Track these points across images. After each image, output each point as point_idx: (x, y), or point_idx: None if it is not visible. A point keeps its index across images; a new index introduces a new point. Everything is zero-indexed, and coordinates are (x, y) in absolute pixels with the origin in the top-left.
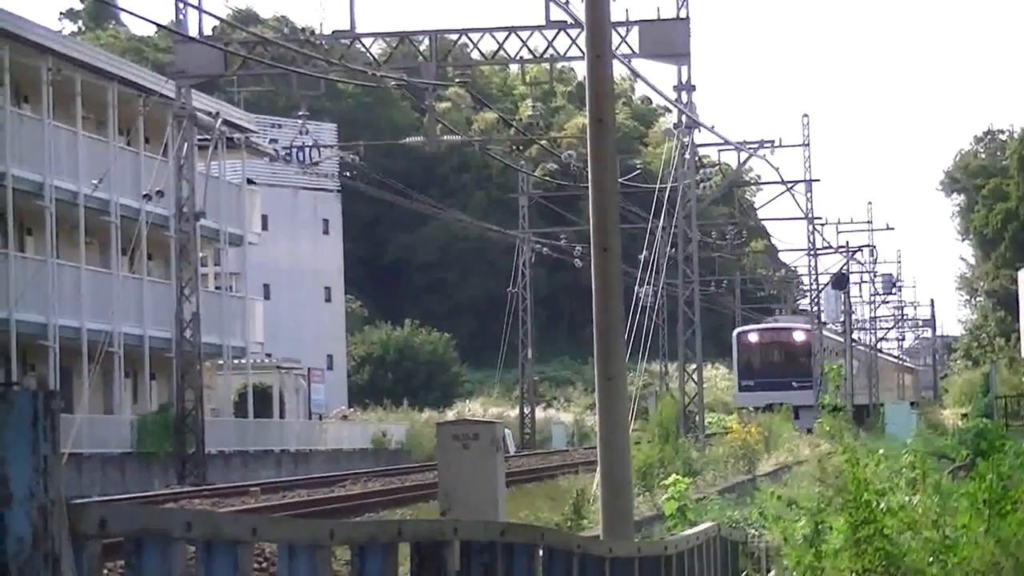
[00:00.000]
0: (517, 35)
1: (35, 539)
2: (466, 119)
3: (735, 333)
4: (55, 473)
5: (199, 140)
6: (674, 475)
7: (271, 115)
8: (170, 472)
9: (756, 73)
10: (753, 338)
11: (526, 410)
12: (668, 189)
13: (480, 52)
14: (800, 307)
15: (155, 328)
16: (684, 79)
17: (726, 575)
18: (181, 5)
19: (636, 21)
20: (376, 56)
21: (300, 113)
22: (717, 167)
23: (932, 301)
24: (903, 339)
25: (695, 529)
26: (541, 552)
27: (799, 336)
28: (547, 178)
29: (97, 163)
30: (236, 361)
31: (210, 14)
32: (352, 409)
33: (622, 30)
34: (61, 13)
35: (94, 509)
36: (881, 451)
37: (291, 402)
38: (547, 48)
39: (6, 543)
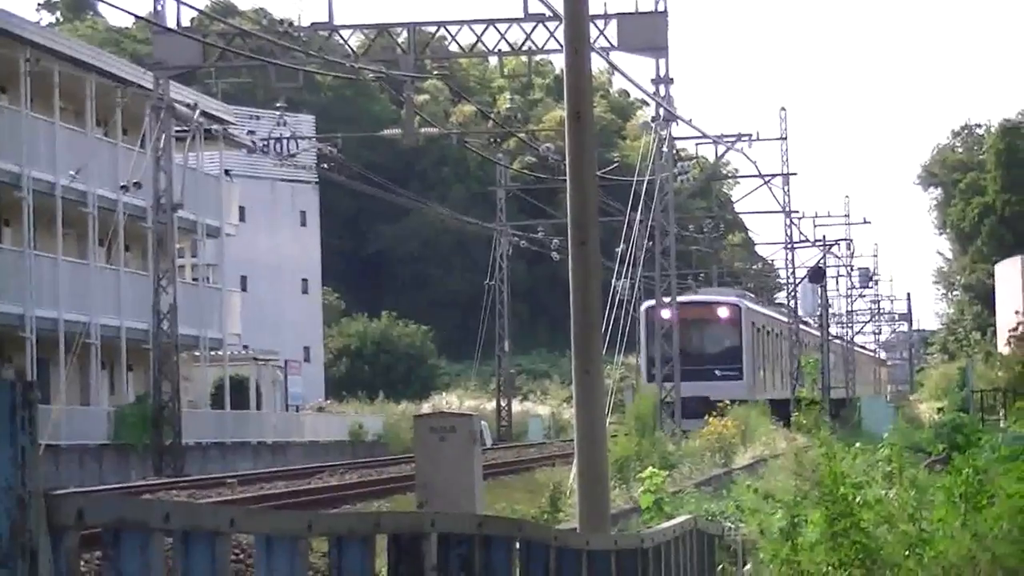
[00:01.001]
0: (495, 28)
1: (13, 530)
2: (444, 112)
3: (643, 307)
4: (33, 464)
5: (177, 131)
6: (651, 468)
7: (249, 107)
8: (147, 464)
9: (734, 66)
10: (666, 314)
11: (503, 403)
12: (646, 182)
13: (458, 45)
14: (776, 300)
15: (132, 319)
16: (662, 72)
17: (702, 568)
18: None
19: (614, 14)
20: (354, 48)
21: (278, 105)
22: (695, 160)
23: (909, 295)
24: (879, 333)
25: (672, 522)
26: (518, 545)
27: (724, 313)
28: (525, 171)
29: (75, 154)
30: (213, 353)
31: (188, 5)
32: (329, 401)
33: (600, 23)
34: (39, 4)
35: (72, 500)
36: (858, 445)
37: (268, 394)
38: (525, 41)
39: None
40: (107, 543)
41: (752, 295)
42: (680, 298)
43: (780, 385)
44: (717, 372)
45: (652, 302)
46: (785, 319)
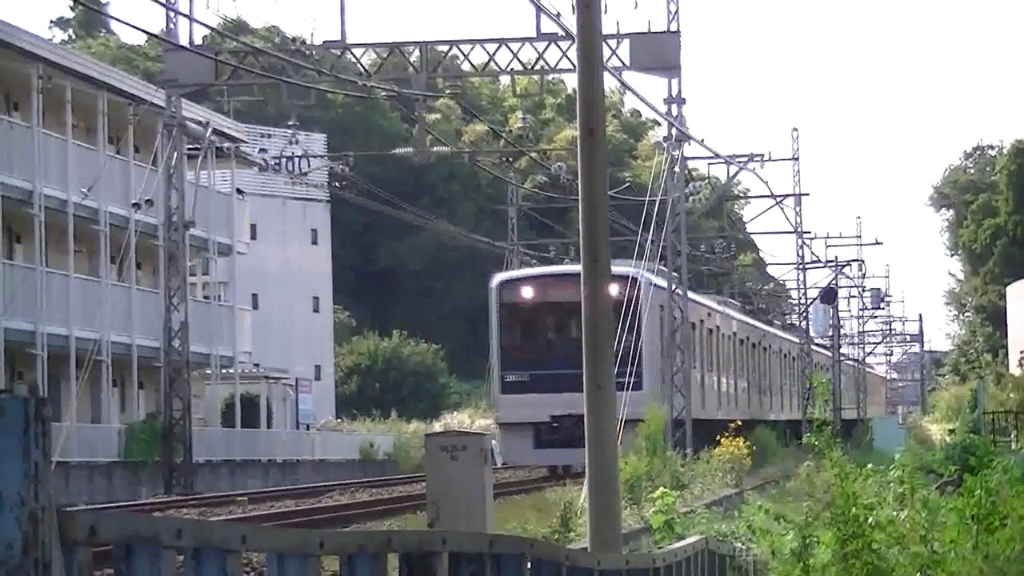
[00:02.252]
0: (508, 47)
1: (25, 545)
2: (456, 130)
3: (495, 283)
4: (45, 480)
5: (189, 149)
6: (661, 488)
7: (261, 125)
8: (157, 481)
9: (746, 87)
10: (527, 293)
11: None
12: (658, 202)
13: (470, 63)
14: (789, 322)
15: (143, 337)
16: (674, 92)
17: None
18: (172, 14)
19: (627, 34)
20: (366, 66)
21: (290, 123)
22: (707, 180)
23: (920, 316)
24: (891, 354)
25: (683, 543)
26: (529, 564)
27: (613, 291)
28: (536, 190)
29: (86, 171)
30: (224, 370)
31: (201, 23)
32: (339, 420)
33: (613, 43)
34: (51, 21)
35: (84, 516)
36: (869, 466)
37: (279, 412)
38: (537, 60)
39: None
40: (119, 559)
41: (665, 270)
42: (540, 270)
43: (742, 403)
44: None
45: (507, 275)
46: (753, 320)
